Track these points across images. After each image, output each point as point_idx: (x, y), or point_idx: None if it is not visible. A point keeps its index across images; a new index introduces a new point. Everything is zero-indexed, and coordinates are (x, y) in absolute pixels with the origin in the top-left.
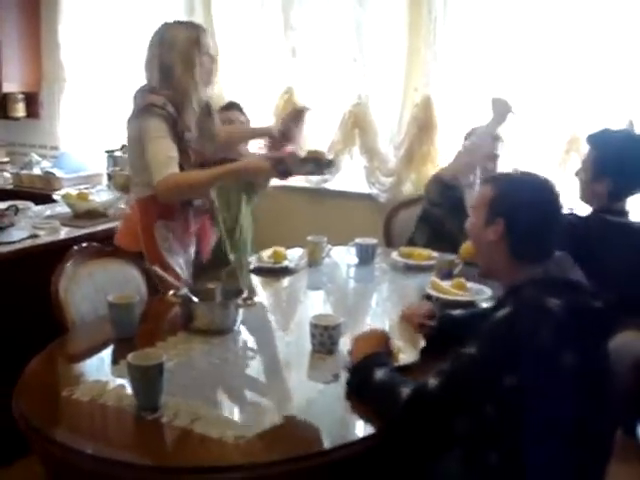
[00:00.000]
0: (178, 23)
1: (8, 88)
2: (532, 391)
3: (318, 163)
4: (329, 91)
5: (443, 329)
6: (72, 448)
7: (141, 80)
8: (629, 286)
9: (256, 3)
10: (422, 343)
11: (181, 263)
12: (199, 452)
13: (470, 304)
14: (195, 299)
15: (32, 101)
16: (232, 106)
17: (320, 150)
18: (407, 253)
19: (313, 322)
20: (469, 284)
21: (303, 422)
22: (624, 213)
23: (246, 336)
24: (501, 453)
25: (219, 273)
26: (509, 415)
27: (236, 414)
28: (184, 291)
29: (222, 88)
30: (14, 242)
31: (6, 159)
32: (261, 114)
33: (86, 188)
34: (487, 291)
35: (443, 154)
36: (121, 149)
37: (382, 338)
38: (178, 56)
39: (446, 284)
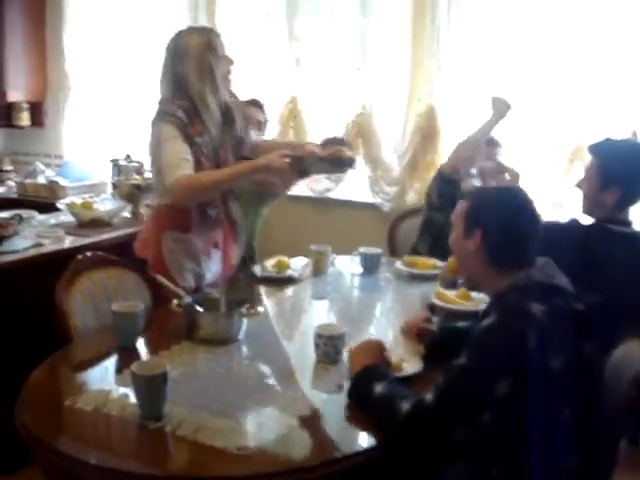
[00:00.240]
0: (190, 30)
1: (13, 97)
2: (525, 397)
3: (338, 161)
4: (333, 101)
5: (445, 340)
6: (75, 458)
7: (146, 88)
8: (632, 296)
9: (260, 13)
10: (423, 351)
11: (186, 276)
12: (202, 462)
13: (474, 314)
14: (199, 308)
15: (37, 110)
16: (251, 103)
17: (339, 148)
18: (411, 262)
19: (317, 332)
20: (474, 294)
21: (307, 432)
22: (627, 223)
23: (250, 346)
24: (503, 465)
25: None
26: (505, 423)
27: (240, 424)
28: (188, 300)
29: None
30: (18, 251)
31: (10, 168)
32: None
33: (90, 197)
34: None
35: None
36: (126, 158)
37: (378, 348)
38: (192, 63)
39: (451, 294)
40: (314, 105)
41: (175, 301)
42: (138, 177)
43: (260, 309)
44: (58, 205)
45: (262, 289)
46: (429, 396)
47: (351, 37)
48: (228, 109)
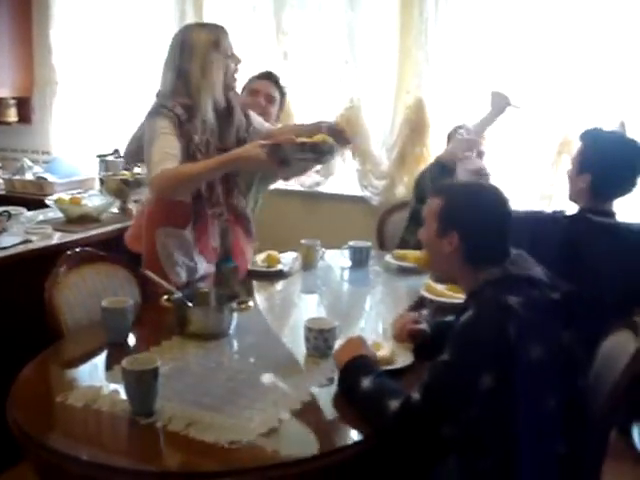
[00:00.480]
0: (199, 26)
1: (0, 93)
2: (508, 389)
3: (317, 149)
4: (321, 94)
5: (436, 335)
6: (66, 454)
7: (133, 83)
8: (615, 288)
9: (248, 7)
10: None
11: (180, 272)
12: (194, 457)
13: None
14: (189, 303)
15: (24, 106)
16: (265, 76)
17: (321, 136)
18: (401, 255)
19: (307, 325)
20: None
21: (297, 426)
22: (609, 214)
23: (241, 340)
24: (492, 458)
25: None
26: (492, 416)
27: (231, 418)
28: (178, 295)
29: None
30: (6, 248)
31: None
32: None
33: (79, 193)
34: None
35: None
36: (113, 154)
37: (360, 342)
38: (198, 61)
39: (440, 287)
40: (302, 99)
41: (165, 296)
42: (126, 172)
43: (250, 303)
44: (46, 201)
45: (252, 284)
46: (415, 394)
47: (339, 30)
48: (230, 107)
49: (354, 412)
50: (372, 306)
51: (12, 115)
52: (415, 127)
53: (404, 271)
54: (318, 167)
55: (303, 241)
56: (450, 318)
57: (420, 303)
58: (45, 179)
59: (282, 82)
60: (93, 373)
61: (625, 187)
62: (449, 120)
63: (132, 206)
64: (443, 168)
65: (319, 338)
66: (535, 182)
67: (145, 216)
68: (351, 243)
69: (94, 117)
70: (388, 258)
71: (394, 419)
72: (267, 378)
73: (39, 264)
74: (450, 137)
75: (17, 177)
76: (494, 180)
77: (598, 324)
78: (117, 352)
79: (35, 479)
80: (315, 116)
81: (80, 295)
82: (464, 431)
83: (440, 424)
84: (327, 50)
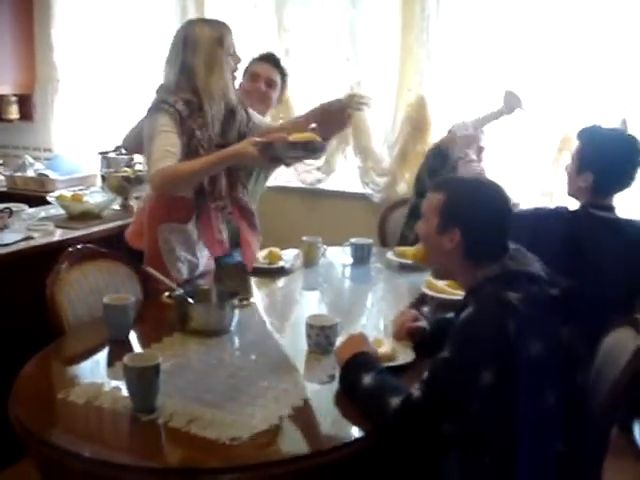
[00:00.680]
0: (203, 21)
1: (1, 90)
2: (509, 385)
3: (308, 147)
4: (322, 91)
5: (436, 332)
6: (68, 450)
7: (135, 80)
8: (616, 282)
9: (249, 4)
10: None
11: (182, 268)
12: (195, 453)
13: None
14: (191, 300)
15: (25, 103)
16: (266, 58)
17: (310, 134)
18: (402, 252)
19: (309, 322)
20: None
21: (299, 423)
22: (610, 208)
23: (242, 337)
24: (493, 454)
25: None
26: (492, 412)
27: (232, 415)
28: (179, 292)
29: None
30: (8, 244)
31: (0, 161)
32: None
33: (80, 190)
34: None
35: None
36: (114, 151)
37: (361, 339)
38: (202, 57)
39: (441, 283)
40: (303, 96)
41: (166, 293)
42: (128, 169)
43: (252, 300)
44: (48, 198)
45: (253, 280)
46: (416, 392)
47: (340, 27)
48: (233, 106)
49: (355, 409)
50: (373, 303)
51: (14, 112)
52: (416, 124)
53: (405, 268)
54: (320, 163)
55: (304, 238)
56: (450, 315)
57: (421, 300)
58: (47, 176)
59: (283, 64)
60: (95, 370)
61: (625, 182)
62: (450, 117)
63: (133, 203)
64: (439, 154)
65: (320, 335)
66: (536, 179)
67: (146, 213)
68: (352, 240)
69: (96, 114)
70: (389, 255)
71: (395, 416)
72: (268, 375)
73: (41, 261)
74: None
75: (19, 174)
76: (495, 177)
77: (599, 320)
78: (118, 349)
79: (37, 476)
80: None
81: (81, 292)
82: (464, 428)
83: (440, 421)
84: (329, 47)
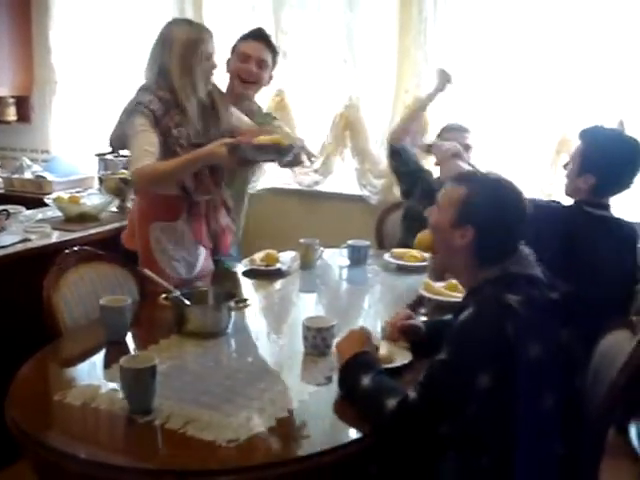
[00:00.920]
0: (183, 22)
1: None
2: (506, 387)
3: (276, 149)
4: (320, 93)
5: (432, 334)
6: (64, 452)
7: (133, 82)
8: (612, 281)
9: (247, 6)
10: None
11: (176, 267)
12: (192, 455)
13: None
14: (187, 302)
15: (23, 105)
16: (256, 36)
17: (278, 137)
18: (399, 254)
19: (306, 324)
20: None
21: (296, 424)
22: (605, 206)
23: (239, 339)
24: (490, 456)
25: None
26: (489, 414)
27: (229, 417)
28: (176, 294)
29: None
30: (5, 246)
31: None
32: None
33: (77, 192)
34: None
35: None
36: (112, 153)
37: (364, 336)
38: (176, 59)
39: (439, 285)
40: (301, 98)
41: (163, 295)
42: (125, 171)
43: (248, 302)
44: (45, 200)
45: (250, 282)
46: (412, 393)
47: (338, 30)
48: (214, 103)
49: (352, 411)
50: (371, 305)
51: (11, 114)
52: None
53: (403, 270)
54: (317, 165)
55: (302, 240)
56: (448, 317)
57: (418, 302)
58: (44, 178)
59: (273, 42)
60: (91, 371)
61: (625, 185)
62: (448, 119)
63: (131, 205)
64: (393, 152)
65: (317, 337)
66: (534, 181)
67: (136, 213)
68: (350, 242)
69: (93, 116)
70: (387, 257)
71: (391, 417)
72: (265, 377)
73: (38, 263)
74: (439, 136)
75: (16, 176)
76: None
77: (596, 321)
78: (115, 350)
79: (33, 477)
80: (314, 115)
81: (78, 294)
82: (461, 429)
83: (437, 422)
84: (326, 50)
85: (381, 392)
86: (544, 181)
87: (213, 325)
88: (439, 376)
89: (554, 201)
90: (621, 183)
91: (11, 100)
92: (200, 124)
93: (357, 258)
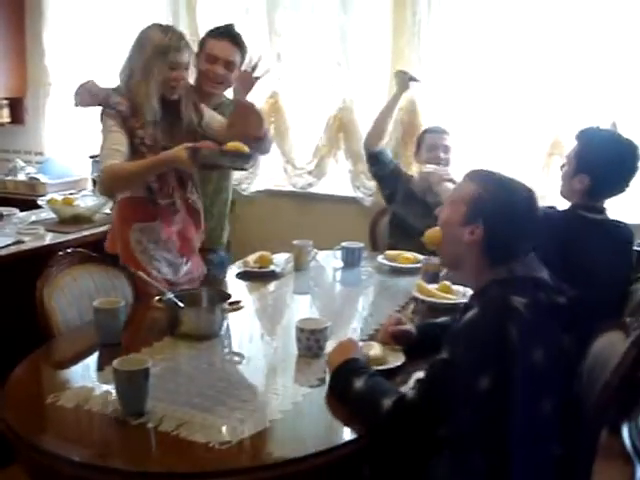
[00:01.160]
0: (160, 27)
1: None
2: (507, 390)
3: (236, 156)
4: (314, 95)
5: (423, 337)
6: (57, 455)
7: None
8: (605, 284)
9: (241, 9)
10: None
11: (159, 267)
12: (185, 457)
13: (456, 307)
14: (181, 304)
15: (17, 107)
16: (224, 35)
17: (238, 143)
18: (393, 256)
19: (299, 326)
20: (455, 287)
21: (289, 426)
22: (601, 210)
23: (232, 341)
24: (486, 456)
25: None
26: (487, 416)
27: (222, 419)
28: (170, 296)
29: None
30: None
31: None
32: None
33: (71, 193)
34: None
35: None
36: None
37: (353, 345)
38: (142, 61)
39: (432, 287)
40: (295, 100)
41: (157, 297)
42: None
43: (242, 304)
44: (39, 202)
45: (244, 284)
46: (411, 392)
47: (332, 32)
48: (176, 105)
49: (345, 412)
50: (364, 307)
51: (5, 116)
52: (408, 128)
53: (396, 272)
54: (311, 167)
55: (295, 242)
56: (441, 319)
57: (411, 303)
58: (38, 180)
59: (243, 39)
60: (85, 374)
61: (620, 187)
62: (441, 122)
63: None
64: (371, 156)
65: (310, 338)
66: (526, 183)
67: (116, 216)
68: (343, 244)
69: (87, 118)
70: (380, 259)
71: (387, 416)
72: (258, 379)
73: (31, 265)
74: (419, 141)
75: (10, 178)
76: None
77: (590, 324)
78: (109, 353)
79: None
80: (308, 117)
81: (72, 296)
82: (458, 430)
83: (435, 422)
84: (320, 52)
85: (376, 392)
86: (536, 183)
87: (206, 327)
88: (441, 376)
89: (550, 207)
90: (616, 186)
91: (5, 102)
92: (166, 127)
93: (351, 260)
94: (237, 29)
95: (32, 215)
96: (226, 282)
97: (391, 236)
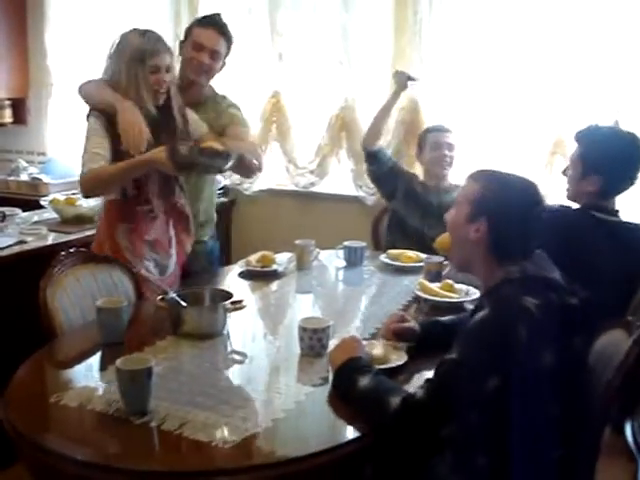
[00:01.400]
0: (138, 32)
1: None
2: (515, 391)
3: (214, 154)
4: (316, 95)
5: (426, 334)
6: (61, 454)
7: None
8: (615, 286)
9: (243, 9)
10: (405, 344)
11: (148, 266)
12: (188, 456)
13: (458, 306)
14: (183, 303)
15: (19, 107)
16: (211, 24)
17: (214, 143)
18: (395, 255)
19: (302, 325)
20: (457, 286)
21: (292, 425)
22: (613, 212)
23: (235, 340)
24: (489, 456)
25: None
26: (495, 417)
27: (225, 418)
28: (172, 295)
29: None
30: (1, 248)
31: None
32: (248, 118)
33: (73, 194)
34: (476, 292)
35: None
36: None
37: (356, 343)
38: (124, 66)
39: (434, 286)
40: (297, 99)
41: (159, 296)
42: None
43: (244, 303)
44: (41, 202)
45: (247, 284)
46: (419, 391)
47: (333, 31)
48: (167, 109)
49: (349, 411)
50: (366, 306)
51: (7, 116)
52: (409, 128)
53: (398, 271)
54: (313, 166)
55: (298, 241)
56: (444, 318)
57: (414, 302)
58: (40, 180)
59: (229, 29)
60: (88, 373)
61: (631, 181)
62: (443, 121)
63: None
64: (369, 155)
65: (313, 338)
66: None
67: (104, 218)
68: (346, 243)
69: None
70: (382, 258)
71: (395, 415)
72: (261, 378)
73: (34, 265)
74: (422, 141)
75: (12, 178)
76: None
77: (597, 324)
78: (111, 352)
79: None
80: (310, 116)
81: (75, 296)
82: (463, 430)
83: (442, 422)
84: (322, 51)
85: (382, 391)
86: (539, 182)
87: (209, 326)
88: (449, 375)
89: (563, 205)
90: (627, 179)
91: (7, 102)
92: (152, 129)
93: (353, 259)
94: (224, 19)
95: (35, 215)
96: (218, 273)
97: (390, 234)
